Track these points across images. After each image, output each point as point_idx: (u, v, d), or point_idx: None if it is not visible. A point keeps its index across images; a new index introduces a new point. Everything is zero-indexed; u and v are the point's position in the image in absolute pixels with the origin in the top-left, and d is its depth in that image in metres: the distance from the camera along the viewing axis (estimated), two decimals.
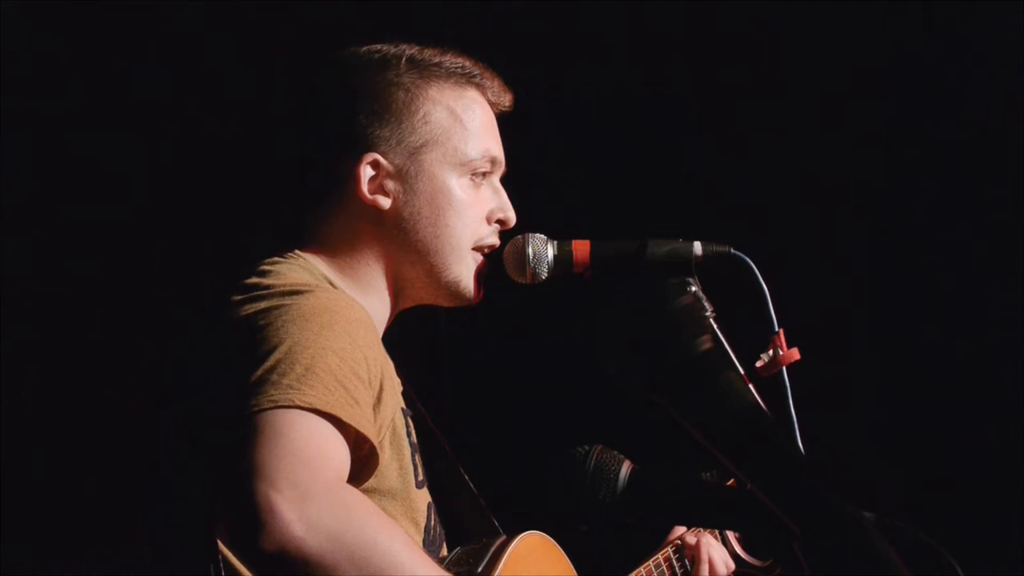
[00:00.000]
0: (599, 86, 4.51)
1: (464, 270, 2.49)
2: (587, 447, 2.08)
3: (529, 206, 2.63)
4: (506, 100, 2.59)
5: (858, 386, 4.43)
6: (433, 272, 2.48)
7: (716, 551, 2.93)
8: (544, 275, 2.46)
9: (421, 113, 2.47)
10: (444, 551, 2.49)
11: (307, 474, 2.03)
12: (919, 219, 4.42)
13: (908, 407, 4.40)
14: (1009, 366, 4.27)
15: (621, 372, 1.86)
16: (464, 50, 2.61)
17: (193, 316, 2.36)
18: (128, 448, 3.05)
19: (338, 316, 2.23)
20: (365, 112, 2.46)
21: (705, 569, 2.90)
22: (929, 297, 4.40)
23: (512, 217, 2.54)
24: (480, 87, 2.54)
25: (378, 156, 2.45)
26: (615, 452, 2.08)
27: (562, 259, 2.45)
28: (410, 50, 2.52)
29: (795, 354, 2.34)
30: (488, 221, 2.52)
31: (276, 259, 2.40)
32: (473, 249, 2.50)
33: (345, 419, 2.12)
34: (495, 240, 2.53)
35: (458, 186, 2.48)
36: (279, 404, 2.07)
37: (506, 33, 4.27)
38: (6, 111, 4.01)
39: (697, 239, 2.38)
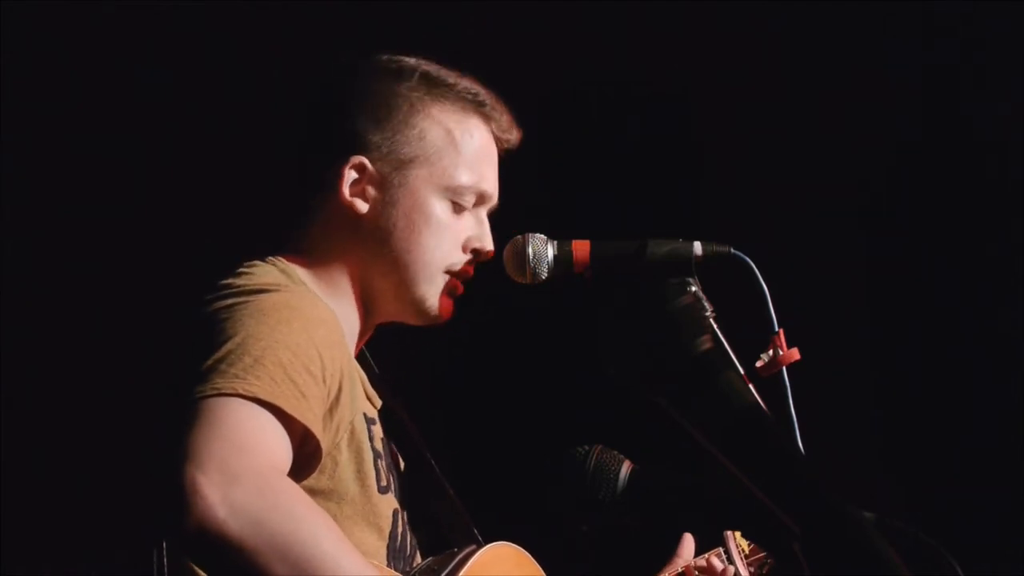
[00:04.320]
0: (599, 86, 4.51)
1: (432, 290, 2.50)
2: (587, 447, 2.08)
3: (529, 206, 2.63)
4: (513, 137, 2.58)
5: (858, 386, 4.42)
6: (401, 287, 2.49)
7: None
8: (544, 275, 2.46)
9: (418, 129, 2.48)
10: (418, 559, 2.48)
11: (236, 459, 2.05)
12: (920, 219, 4.41)
13: (908, 407, 4.39)
14: (1009, 366, 4.27)
15: (621, 372, 1.86)
16: (465, 49, 2.61)
17: (170, 316, 2.38)
18: (122, 447, 3.06)
19: (297, 313, 2.25)
20: (364, 115, 2.47)
21: None
22: (930, 297, 4.40)
23: (490, 249, 2.54)
24: (487, 117, 2.54)
25: (365, 160, 2.46)
26: (615, 452, 2.08)
27: (562, 259, 2.44)
28: (427, 66, 2.52)
29: (795, 354, 2.34)
30: (464, 249, 2.53)
31: (255, 262, 2.41)
32: (445, 272, 2.51)
33: (288, 411, 2.14)
34: (469, 269, 2.54)
35: (439, 207, 2.49)
36: (222, 392, 2.10)
37: (506, 33, 4.27)
38: (5, 111, 4.01)
39: (697, 239, 2.38)
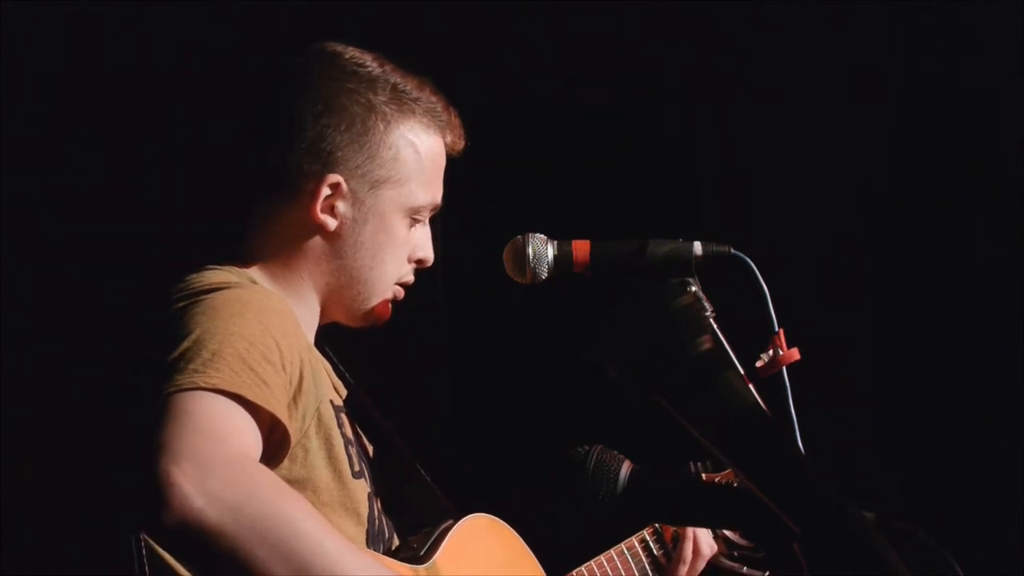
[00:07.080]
0: (599, 86, 4.51)
1: (381, 301, 2.56)
2: (587, 447, 2.08)
3: (529, 206, 2.63)
4: (459, 148, 2.62)
5: (858, 386, 4.43)
6: (357, 299, 2.54)
7: (702, 531, 2.92)
8: (544, 275, 2.47)
9: (393, 150, 2.51)
10: (396, 542, 2.51)
11: (208, 448, 2.06)
12: (920, 219, 4.42)
13: (908, 407, 4.40)
14: (1009, 366, 4.27)
15: (621, 372, 1.86)
16: (465, 51, 2.61)
17: (130, 321, 2.40)
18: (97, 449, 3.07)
19: (250, 306, 2.28)
20: (339, 131, 2.47)
21: (689, 546, 2.89)
22: (929, 296, 4.40)
23: (431, 259, 2.59)
24: (443, 131, 2.57)
25: (341, 180, 2.47)
26: (615, 452, 2.08)
27: (562, 259, 2.45)
28: (394, 75, 2.53)
29: (795, 354, 2.34)
30: (409, 260, 2.57)
31: (208, 266, 2.43)
32: (394, 284, 2.57)
33: (251, 398, 2.15)
34: (412, 278, 2.59)
35: (401, 226, 2.53)
36: (183, 388, 2.12)
37: (507, 33, 4.27)
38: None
39: (697, 239, 2.39)
